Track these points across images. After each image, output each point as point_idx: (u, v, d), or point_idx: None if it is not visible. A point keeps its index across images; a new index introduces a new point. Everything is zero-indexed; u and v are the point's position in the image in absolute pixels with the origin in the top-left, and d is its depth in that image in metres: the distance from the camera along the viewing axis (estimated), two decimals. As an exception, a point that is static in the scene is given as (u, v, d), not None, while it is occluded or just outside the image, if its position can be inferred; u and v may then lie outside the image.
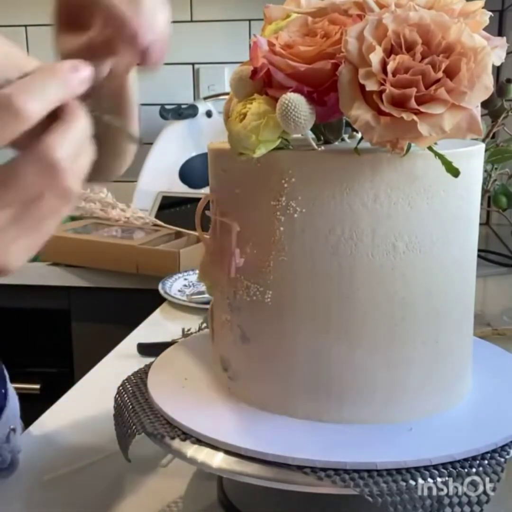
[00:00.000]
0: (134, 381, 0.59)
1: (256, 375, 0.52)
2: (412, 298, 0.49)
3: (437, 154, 0.45)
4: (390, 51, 0.43)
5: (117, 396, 0.58)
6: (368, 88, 0.42)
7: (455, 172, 0.45)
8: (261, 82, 0.47)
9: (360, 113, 0.43)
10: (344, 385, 0.49)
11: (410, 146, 0.45)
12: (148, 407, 0.54)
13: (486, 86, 0.43)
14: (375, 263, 0.47)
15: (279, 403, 0.51)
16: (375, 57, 0.42)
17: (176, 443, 0.49)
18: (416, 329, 0.49)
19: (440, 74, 0.42)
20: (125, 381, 0.59)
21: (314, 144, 0.47)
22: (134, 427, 0.52)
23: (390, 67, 0.42)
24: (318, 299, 0.48)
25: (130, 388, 0.58)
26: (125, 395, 0.57)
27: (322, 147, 0.48)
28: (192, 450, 0.48)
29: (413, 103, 0.42)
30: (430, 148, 0.45)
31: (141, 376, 0.59)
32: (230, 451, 0.47)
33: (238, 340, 0.53)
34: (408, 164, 0.46)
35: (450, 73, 0.42)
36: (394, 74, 0.42)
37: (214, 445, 0.48)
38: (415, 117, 0.41)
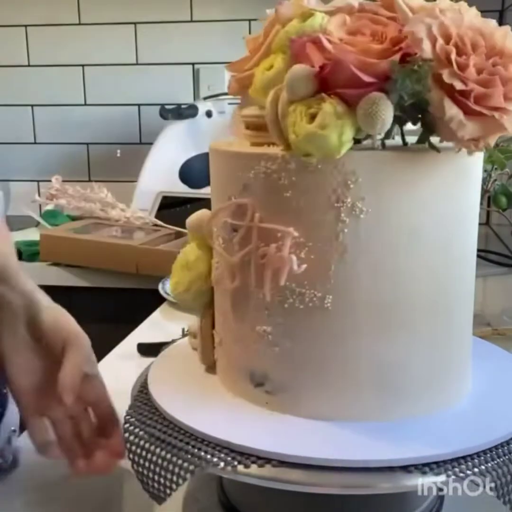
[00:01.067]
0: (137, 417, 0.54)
1: (307, 384, 0.50)
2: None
3: (496, 150, 0.47)
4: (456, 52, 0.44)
5: (134, 446, 0.52)
6: (458, 88, 0.43)
7: (503, 166, 0.48)
8: (320, 81, 0.46)
9: (455, 113, 0.44)
10: (394, 378, 0.50)
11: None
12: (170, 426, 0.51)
13: None
14: (431, 261, 0.48)
15: (334, 409, 0.50)
16: (454, 58, 0.43)
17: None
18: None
19: (511, 74, 0.44)
20: (129, 425, 0.53)
21: (378, 143, 0.47)
22: (187, 465, 0.48)
23: (471, 67, 0.43)
24: (380, 299, 0.48)
25: (139, 430, 0.52)
26: (143, 445, 0.51)
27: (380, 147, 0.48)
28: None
29: (499, 102, 0.43)
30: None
31: (142, 407, 0.55)
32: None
33: (284, 351, 0.50)
34: (461, 162, 0.48)
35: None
36: (478, 74, 0.44)
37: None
38: (504, 115, 0.43)
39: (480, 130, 0.44)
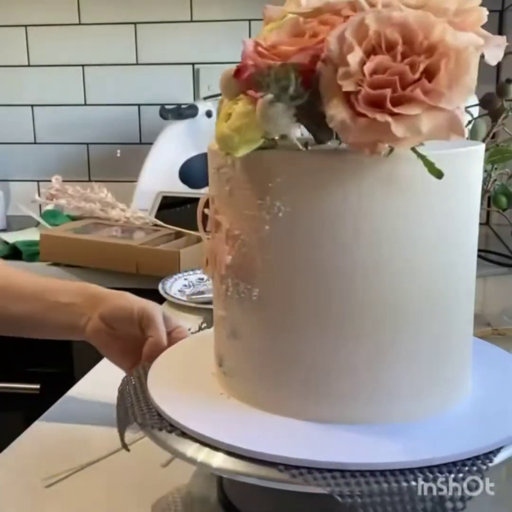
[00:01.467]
0: (138, 375, 0.60)
1: (246, 372, 0.53)
2: (412, 298, 0.49)
3: (419, 155, 0.44)
4: (371, 52, 0.42)
5: (121, 387, 0.58)
6: (344, 89, 0.42)
7: (438, 174, 0.43)
8: (247, 82, 0.46)
9: (336, 113, 0.42)
10: (335, 383, 0.49)
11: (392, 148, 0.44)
12: (146, 405, 0.54)
13: (468, 86, 0.42)
14: (360, 262, 0.47)
15: (268, 401, 0.51)
16: (354, 58, 0.41)
17: (173, 440, 0.49)
18: (416, 329, 0.49)
19: (417, 75, 0.41)
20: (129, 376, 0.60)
21: (299, 145, 0.47)
22: (133, 417, 0.53)
23: (367, 67, 0.41)
24: (303, 296, 0.48)
25: (133, 381, 0.59)
26: (128, 386, 0.58)
27: (309, 147, 0.48)
28: (192, 450, 0.48)
29: (388, 104, 0.41)
30: (413, 149, 0.44)
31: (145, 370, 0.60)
32: (231, 452, 0.47)
33: (230, 337, 0.53)
34: (389, 165, 0.45)
35: (430, 74, 0.42)
36: (371, 75, 0.41)
37: (214, 445, 0.48)
38: (389, 118, 0.41)
39: (367, 134, 0.42)
